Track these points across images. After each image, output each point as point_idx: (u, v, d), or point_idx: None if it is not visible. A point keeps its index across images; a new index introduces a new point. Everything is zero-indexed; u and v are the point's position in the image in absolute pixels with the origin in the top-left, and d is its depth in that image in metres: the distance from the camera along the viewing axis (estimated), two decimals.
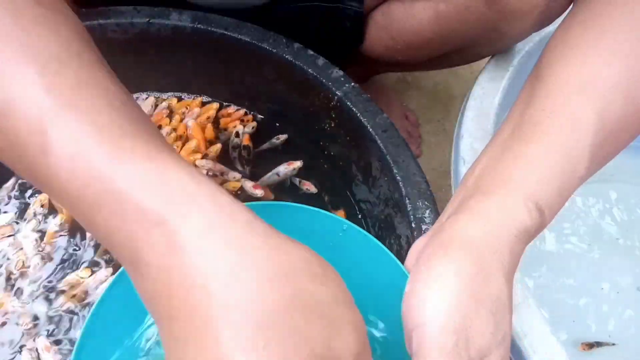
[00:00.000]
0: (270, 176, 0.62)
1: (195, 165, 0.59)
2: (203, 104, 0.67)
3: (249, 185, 0.60)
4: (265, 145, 0.64)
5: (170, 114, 0.66)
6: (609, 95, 0.37)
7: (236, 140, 0.64)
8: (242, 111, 0.67)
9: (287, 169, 0.62)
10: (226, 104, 0.67)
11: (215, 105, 0.67)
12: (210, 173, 0.60)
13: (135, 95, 0.67)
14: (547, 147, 0.36)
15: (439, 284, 0.31)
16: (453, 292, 0.30)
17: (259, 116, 0.67)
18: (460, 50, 0.68)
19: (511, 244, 0.33)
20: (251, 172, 0.63)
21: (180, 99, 0.67)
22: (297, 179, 0.62)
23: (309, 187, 0.61)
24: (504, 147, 0.38)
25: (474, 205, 0.35)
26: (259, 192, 0.59)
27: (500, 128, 0.41)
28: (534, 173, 0.35)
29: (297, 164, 0.62)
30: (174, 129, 0.64)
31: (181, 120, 0.65)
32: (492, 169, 0.37)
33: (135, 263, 0.26)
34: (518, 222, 0.33)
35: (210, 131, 0.65)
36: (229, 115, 0.67)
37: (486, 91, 0.63)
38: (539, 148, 0.36)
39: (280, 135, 0.65)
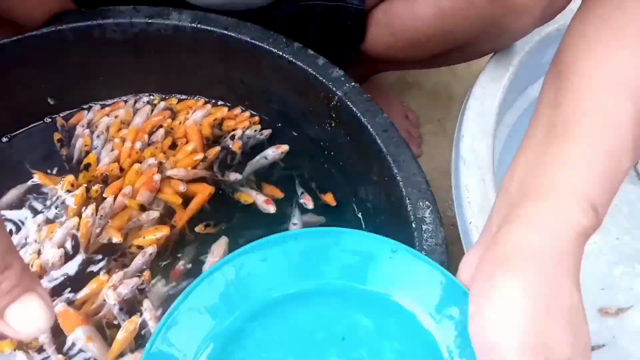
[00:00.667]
0: (258, 159, 0.62)
1: (170, 177, 0.58)
2: (207, 104, 0.67)
3: (260, 200, 0.59)
4: (258, 159, 0.62)
5: (173, 115, 0.66)
6: None
7: (229, 142, 0.63)
8: (247, 114, 0.66)
9: (274, 152, 0.62)
10: (230, 105, 0.67)
11: (224, 108, 0.66)
12: (184, 181, 0.58)
13: (134, 98, 0.67)
14: (589, 146, 0.35)
15: (507, 302, 0.30)
16: (523, 307, 0.29)
17: (264, 117, 0.67)
18: (461, 47, 0.67)
19: (572, 248, 0.32)
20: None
21: (180, 101, 0.67)
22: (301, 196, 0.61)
23: (307, 201, 0.60)
24: (542, 150, 0.37)
25: (525, 214, 0.33)
26: (271, 209, 0.58)
27: (529, 131, 0.40)
28: (580, 173, 0.34)
29: (285, 147, 0.62)
30: (171, 129, 0.64)
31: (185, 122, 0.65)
32: (535, 173, 0.36)
33: None
34: (575, 224, 0.32)
35: (207, 129, 0.64)
36: (234, 117, 0.66)
37: (486, 91, 0.63)
38: (580, 147, 0.35)
39: (280, 145, 0.63)
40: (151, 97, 0.67)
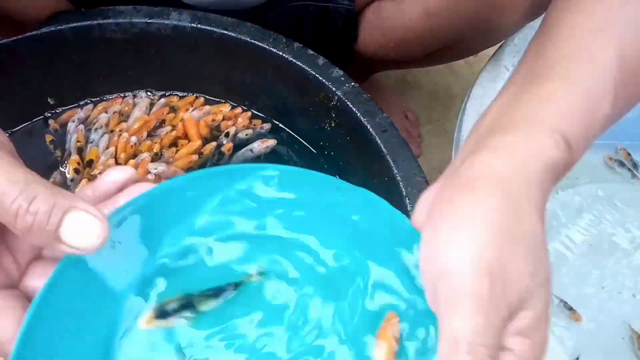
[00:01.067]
0: (244, 152, 0.63)
1: (148, 171, 0.58)
2: (207, 103, 0.67)
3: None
4: (244, 152, 0.63)
5: (173, 112, 0.66)
6: (626, 34, 0.35)
7: (223, 139, 0.63)
8: (248, 114, 0.66)
9: (260, 146, 0.62)
10: (233, 104, 0.67)
11: (225, 107, 0.66)
12: (163, 177, 0.58)
13: (133, 93, 0.67)
14: (568, 84, 0.33)
15: (466, 225, 0.27)
16: (483, 231, 0.27)
17: (263, 117, 0.67)
18: (452, 45, 0.68)
19: (541, 178, 0.29)
20: None
21: (181, 98, 0.67)
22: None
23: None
24: (519, 89, 0.34)
25: (492, 144, 0.31)
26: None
27: (511, 77, 0.37)
28: (556, 108, 0.32)
29: (271, 142, 0.63)
30: (174, 127, 0.64)
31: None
32: (509, 109, 0.33)
33: None
34: (546, 154, 0.30)
35: (204, 129, 0.64)
36: (234, 117, 0.66)
37: (486, 91, 0.63)
38: (558, 84, 0.33)
39: (266, 140, 0.63)
40: (148, 93, 0.67)
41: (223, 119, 0.65)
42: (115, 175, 0.31)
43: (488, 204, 0.28)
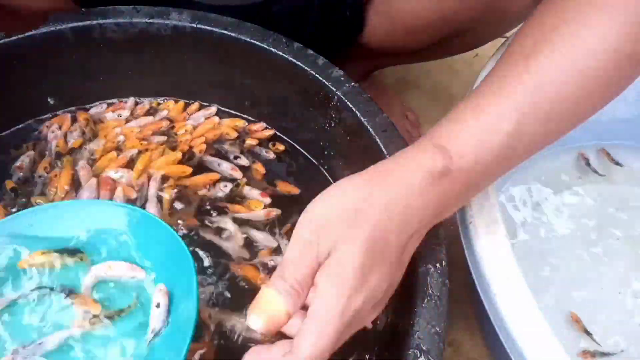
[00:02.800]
0: (212, 161, 0.62)
1: (113, 181, 0.58)
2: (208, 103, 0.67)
3: (255, 193, 0.59)
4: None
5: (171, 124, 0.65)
6: (547, 65, 0.39)
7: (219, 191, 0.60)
8: (271, 132, 0.65)
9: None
10: (252, 120, 0.66)
11: (241, 121, 0.65)
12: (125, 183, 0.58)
13: (132, 98, 0.67)
14: (473, 106, 0.40)
15: (321, 197, 0.37)
16: (327, 202, 0.37)
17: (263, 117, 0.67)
18: (459, 33, 0.67)
19: (407, 177, 0.38)
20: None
21: (177, 102, 0.67)
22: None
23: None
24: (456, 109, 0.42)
25: (402, 150, 0.41)
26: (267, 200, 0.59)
27: None
28: (452, 124, 0.40)
29: (274, 212, 0.58)
30: (176, 133, 0.63)
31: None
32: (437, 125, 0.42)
33: None
34: (418, 161, 0.38)
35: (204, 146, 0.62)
36: (254, 132, 0.65)
37: None
38: (466, 106, 0.41)
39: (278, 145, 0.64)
40: (151, 100, 0.67)
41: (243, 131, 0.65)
42: None
43: (346, 189, 0.38)
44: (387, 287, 0.37)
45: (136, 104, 0.66)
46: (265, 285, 0.35)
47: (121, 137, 0.62)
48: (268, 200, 0.59)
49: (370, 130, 0.53)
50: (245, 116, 0.67)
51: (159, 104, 0.67)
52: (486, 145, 0.39)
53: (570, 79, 0.39)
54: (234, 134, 0.64)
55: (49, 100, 0.63)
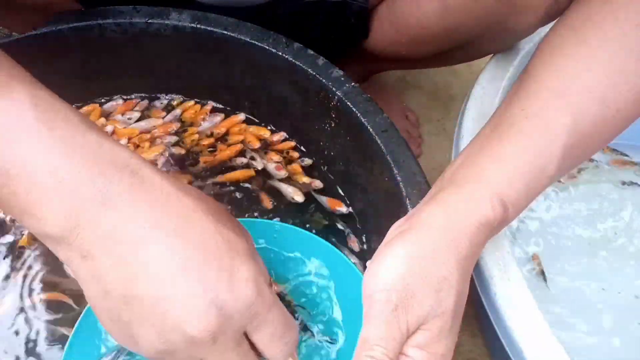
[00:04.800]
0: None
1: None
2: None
3: (271, 167, 0.61)
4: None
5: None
6: (585, 100, 0.40)
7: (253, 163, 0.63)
8: (291, 144, 0.65)
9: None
10: (272, 129, 0.67)
11: (266, 130, 0.66)
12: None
13: (133, 96, 0.67)
14: (520, 147, 0.39)
15: (390, 262, 0.35)
16: (400, 268, 0.35)
17: (263, 117, 0.67)
18: (464, 46, 0.67)
19: (471, 234, 0.36)
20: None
21: (181, 102, 0.67)
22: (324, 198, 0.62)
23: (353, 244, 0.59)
24: (482, 145, 0.41)
25: (443, 197, 0.38)
26: (282, 173, 0.61)
27: (484, 126, 0.43)
28: (504, 170, 0.38)
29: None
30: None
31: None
32: (468, 164, 0.40)
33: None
34: (481, 214, 0.37)
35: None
36: (275, 142, 0.65)
37: (486, 91, 0.63)
38: (512, 147, 0.39)
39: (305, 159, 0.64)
40: (165, 99, 0.67)
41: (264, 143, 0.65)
42: None
43: (412, 248, 0.36)
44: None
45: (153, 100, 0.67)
46: None
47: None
48: (284, 172, 0.62)
49: (370, 130, 0.53)
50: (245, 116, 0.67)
51: (181, 102, 0.67)
52: (532, 193, 0.39)
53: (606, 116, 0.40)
54: (257, 144, 0.64)
55: None
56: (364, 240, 0.59)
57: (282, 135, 0.66)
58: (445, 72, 1.05)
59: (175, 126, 0.64)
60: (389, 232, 0.40)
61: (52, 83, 0.61)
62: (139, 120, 0.65)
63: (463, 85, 1.03)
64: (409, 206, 0.48)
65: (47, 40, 0.57)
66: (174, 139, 0.63)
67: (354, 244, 0.58)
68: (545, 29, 0.67)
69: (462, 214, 0.37)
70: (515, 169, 0.38)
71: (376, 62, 0.78)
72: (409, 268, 0.35)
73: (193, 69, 0.64)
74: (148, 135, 0.63)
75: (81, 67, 0.61)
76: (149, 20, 0.58)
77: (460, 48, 0.68)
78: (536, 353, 0.43)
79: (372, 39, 0.70)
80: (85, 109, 0.65)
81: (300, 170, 0.62)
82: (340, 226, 0.59)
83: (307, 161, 0.64)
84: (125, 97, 0.66)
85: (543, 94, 0.41)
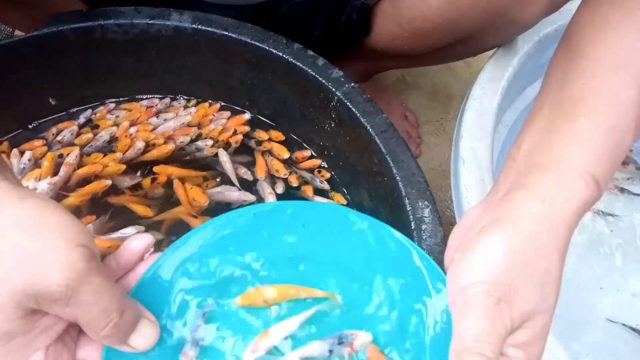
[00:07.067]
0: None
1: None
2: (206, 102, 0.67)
3: (267, 191, 0.61)
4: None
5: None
6: None
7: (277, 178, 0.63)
8: (317, 162, 0.65)
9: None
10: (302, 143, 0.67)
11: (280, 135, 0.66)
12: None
13: (134, 97, 0.67)
14: (594, 124, 0.37)
15: (487, 253, 0.33)
16: (501, 260, 0.32)
17: (264, 117, 0.67)
18: (466, 39, 0.67)
19: (570, 221, 0.34)
20: None
21: (211, 105, 0.68)
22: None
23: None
24: (549, 126, 0.39)
25: (532, 182, 0.36)
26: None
27: (536, 106, 0.42)
28: (585, 148, 0.37)
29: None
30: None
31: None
32: (542, 147, 0.38)
33: None
34: (577, 198, 0.35)
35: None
36: (301, 159, 0.65)
37: (486, 91, 0.63)
38: (586, 124, 0.38)
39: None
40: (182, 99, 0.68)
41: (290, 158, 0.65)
42: (136, 244, 0.35)
43: (512, 240, 0.33)
44: None
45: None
46: None
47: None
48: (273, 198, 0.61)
49: (370, 130, 0.53)
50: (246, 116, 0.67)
51: (198, 102, 0.68)
52: (615, 165, 0.38)
53: None
54: (286, 154, 0.64)
55: (50, 100, 0.63)
56: None
57: (308, 152, 0.65)
58: (444, 73, 1.05)
59: (194, 130, 0.65)
60: (465, 219, 0.38)
61: (54, 84, 0.62)
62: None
63: (462, 85, 1.04)
64: (408, 206, 0.48)
65: (49, 41, 0.57)
66: (187, 139, 0.65)
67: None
68: (546, 28, 0.68)
69: (559, 200, 0.35)
70: (597, 145, 0.37)
71: (377, 59, 0.78)
72: (510, 260, 0.32)
73: (192, 70, 0.64)
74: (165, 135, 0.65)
75: (83, 67, 0.61)
76: (150, 21, 0.58)
77: (462, 42, 0.68)
78: None
79: (374, 35, 0.70)
80: None
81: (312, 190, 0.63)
82: None
83: (325, 186, 0.63)
84: (114, 99, 0.67)
85: (601, 69, 0.40)
